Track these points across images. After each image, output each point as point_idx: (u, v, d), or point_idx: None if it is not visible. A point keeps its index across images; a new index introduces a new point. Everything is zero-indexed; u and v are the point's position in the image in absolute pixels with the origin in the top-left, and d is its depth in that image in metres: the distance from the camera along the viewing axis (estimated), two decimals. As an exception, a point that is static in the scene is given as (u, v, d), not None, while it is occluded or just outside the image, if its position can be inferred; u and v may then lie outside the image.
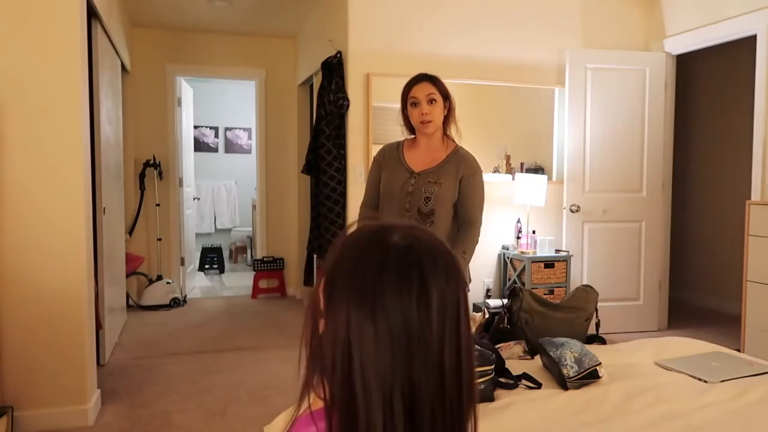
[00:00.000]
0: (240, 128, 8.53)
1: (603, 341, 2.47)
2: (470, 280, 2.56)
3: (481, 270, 4.35)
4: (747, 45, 4.43)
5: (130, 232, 5.49)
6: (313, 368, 0.72)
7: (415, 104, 2.38)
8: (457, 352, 0.69)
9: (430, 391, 0.68)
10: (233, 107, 8.41)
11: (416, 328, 0.67)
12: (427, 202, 2.36)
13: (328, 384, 0.69)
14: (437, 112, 2.37)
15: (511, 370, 1.83)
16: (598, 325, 2.47)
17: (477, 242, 2.42)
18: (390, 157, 2.48)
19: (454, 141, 2.46)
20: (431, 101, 2.36)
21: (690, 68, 5.69)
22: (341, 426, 0.68)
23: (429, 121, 2.36)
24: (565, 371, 1.76)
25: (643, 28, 4.68)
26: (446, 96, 2.39)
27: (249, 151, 8.48)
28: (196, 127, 8.02)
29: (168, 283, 5.49)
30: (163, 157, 5.70)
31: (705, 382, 1.83)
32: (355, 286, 0.68)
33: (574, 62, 4.39)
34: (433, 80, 2.40)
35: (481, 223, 2.42)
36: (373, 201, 2.54)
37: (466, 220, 2.40)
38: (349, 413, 0.67)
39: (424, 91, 2.37)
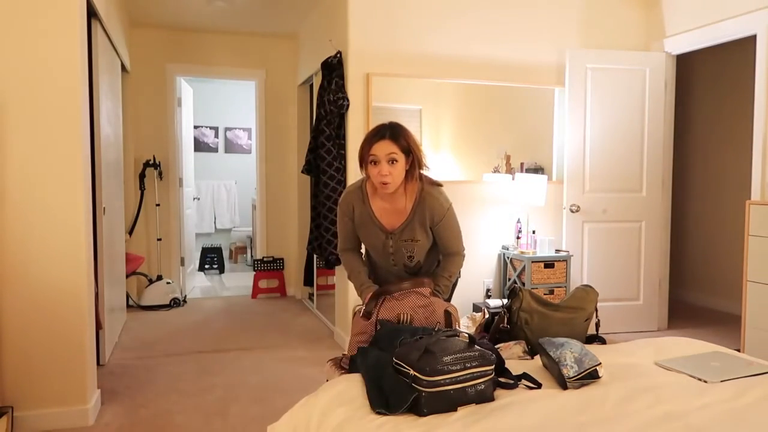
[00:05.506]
0: (240, 128, 8.53)
1: (603, 341, 2.46)
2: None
3: (481, 270, 4.35)
4: (747, 45, 4.43)
5: (130, 232, 5.49)
6: None
7: (374, 162, 2.18)
8: None
9: None
10: (233, 107, 8.42)
11: None
12: (411, 259, 2.38)
13: None
14: (398, 171, 2.17)
15: (511, 370, 1.83)
16: (598, 325, 2.46)
17: (462, 264, 2.47)
18: (360, 213, 2.34)
19: (417, 179, 2.27)
20: (392, 161, 2.16)
21: (690, 68, 5.69)
22: None
23: (387, 183, 2.17)
24: (565, 371, 1.76)
25: (643, 28, 4.68)
26: (409, 151, 2.19)
27: (249, 151, 8.48)
28: (196, 127, 8.04)
29: (168, 283, 5.50)
30: (163, 157, 5.71)
31: (705, 382, 1.83)
32: None
33: (574, 62, 4.39)
34: (396, 136, 2.17)
35: (464, 249, 2.43)
36: (353, 245, 2.46)
37: (448, 252, 2.41)
38: None
39: (384, 149, 2.15)
